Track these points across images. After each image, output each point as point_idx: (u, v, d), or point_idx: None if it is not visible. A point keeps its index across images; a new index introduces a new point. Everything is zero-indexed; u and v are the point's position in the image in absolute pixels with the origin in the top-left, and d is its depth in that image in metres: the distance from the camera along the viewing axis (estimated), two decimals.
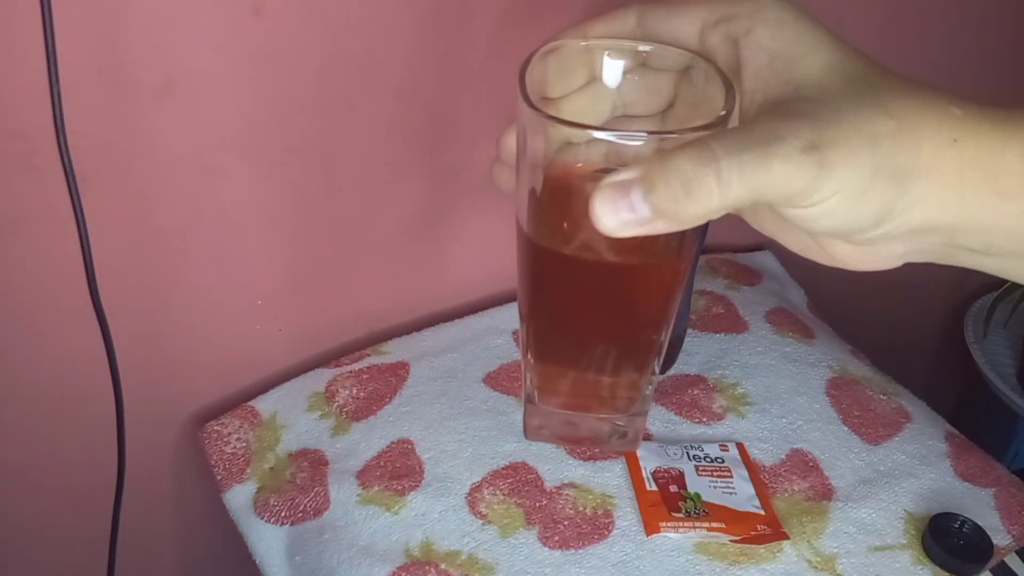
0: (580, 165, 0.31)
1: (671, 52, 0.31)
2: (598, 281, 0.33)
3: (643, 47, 0.31)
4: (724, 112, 0.27)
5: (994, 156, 0.26)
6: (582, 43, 0.32)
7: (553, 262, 0.33)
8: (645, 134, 0.29)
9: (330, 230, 0.68)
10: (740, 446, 0.63)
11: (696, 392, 0.68)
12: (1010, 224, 0.27)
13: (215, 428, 0.65)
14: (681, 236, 0.31)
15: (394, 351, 0.71)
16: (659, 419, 0.65)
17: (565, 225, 0.32)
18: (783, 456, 0.63)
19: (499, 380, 0.68)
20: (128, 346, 0.57)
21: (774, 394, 0.68)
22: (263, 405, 0.67)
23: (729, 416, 0.66)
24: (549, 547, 0.55)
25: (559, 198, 0.32)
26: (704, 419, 0.65)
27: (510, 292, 0.80)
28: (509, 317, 0.76)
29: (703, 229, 0.37)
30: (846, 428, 0.66)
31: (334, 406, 0.66)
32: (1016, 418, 1.01)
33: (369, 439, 0.63)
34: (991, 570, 0.56)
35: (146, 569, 0.77)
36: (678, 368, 0.70)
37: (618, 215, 0.25)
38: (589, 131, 0.28)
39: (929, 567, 0.55)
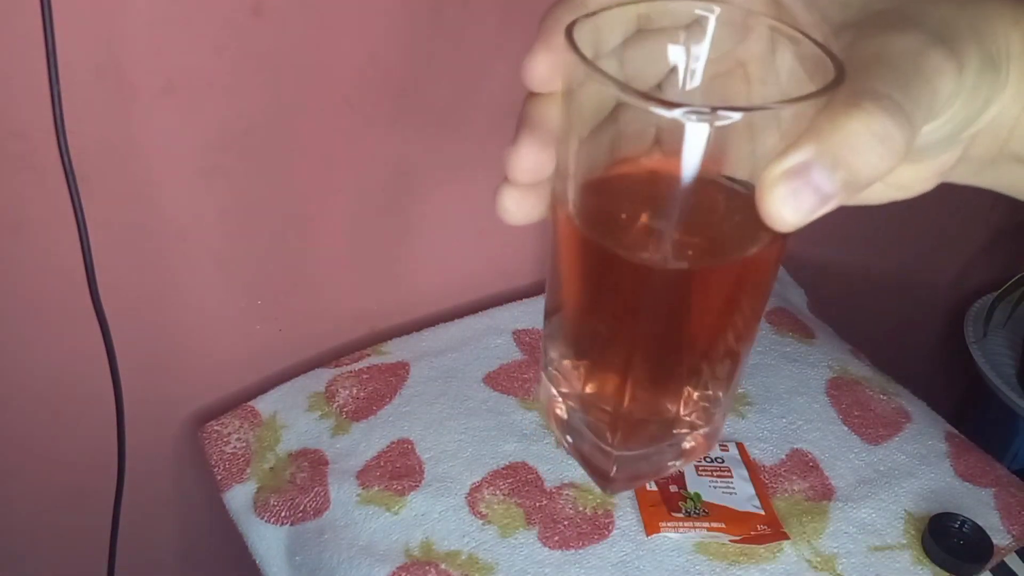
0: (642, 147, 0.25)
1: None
2: (667, 286, 0.26)
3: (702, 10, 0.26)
4: (838, 66, 0.23)
5: None
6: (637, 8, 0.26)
7: (634, 273, 0.26)
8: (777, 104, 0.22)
9: (330, 230, 0.68)
10: (740, 446, 0.63)
11: None
12: None
13: (215, 428, 0.65)
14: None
15: (394, 351, 0.71)
16: None
17: (634, 229, 0.26)
18: (783, 456, 0.63)
19: (499, 380, 0.68)
20: (128, 346, 0.57)
21: (774, 394, 0.68)
22: (263, 405, 0.67)
23: (729, 416, 0.66)
24: (549, 547, 0.55)
25: (614, 200, 0.26)
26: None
27: (510, 292, 0.80)
28: (509, 317, 0.75)
29: None
30: (846, 428, 0.66)
31: (334, 406, 0.66)
32: (1016, 418, 1.01)
33: (369, 439, 0.63)
34: (991, 570, 0.56)
35: (146, 569, 0.77)
36: None
37: (801, 203, 0.21)
38: (723, 113, 0.21)
39: (929, 567, 0.55)
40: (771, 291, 0.29)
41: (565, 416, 0.30)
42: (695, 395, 0.30)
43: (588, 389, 0.29)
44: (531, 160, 0.25)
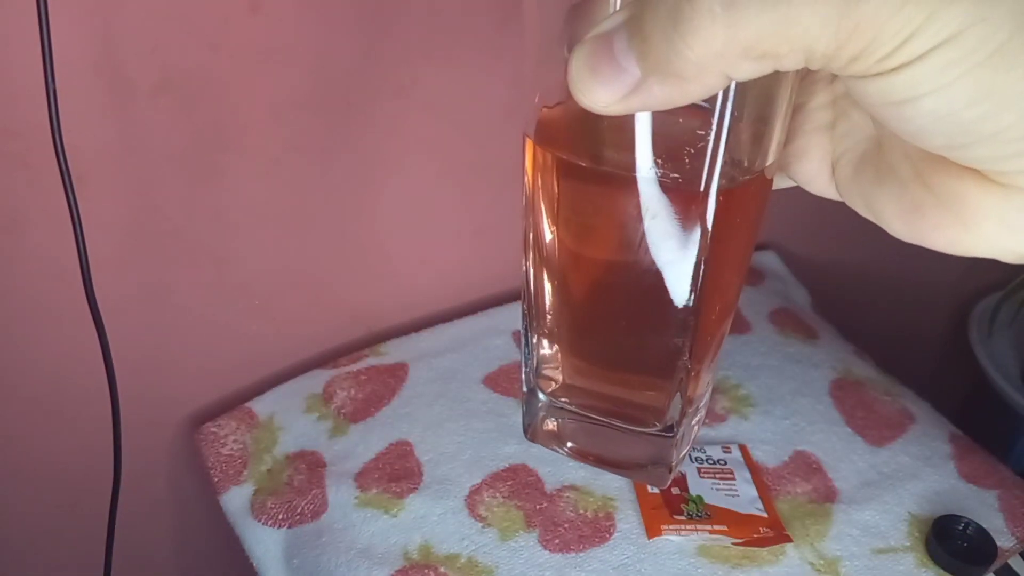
0: None
1: None
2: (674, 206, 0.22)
3: None
4: None
5: None
6: None
7: (596, 184, 0.22)
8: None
9: (328, 230, 0.67)
10: (743, 448, 0.62)
11: None
12: None
13: (212, 430, 0.65)
14: (774, 139, 0.22)
15: (393, 352, 0.71)
16: None
17: (614, 140, 0.22)
18: (786, 458, 0.62)
19: (499, 381, 0.68)
20: (124, 347, 0.57)
21: (777, 395, 0.67)
22: (260, 406, 0.66)
23: (732, 417, 0.65)
24: (550, 550, 0.54)
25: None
26: (706, 420, 0.65)
27: (510, 292, 0.80)
28: (509, 317, 0.75)
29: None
30: (849, 430, 0.65)
31: (332, 407, 0.66)
32: (1021, 419, 1.01)
33: (367, 441, 0.63)
34: (995, 572, 0.55)
35: (142, 571, 0.76)
36: None
37: (601, 80, 0.17)
38: None
39: (933, 570, 0.55)
40: (755, 236, 0.25)
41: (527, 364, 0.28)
42: (638, 373, 0.26)
43: (535, 332, 0.27)
44: None
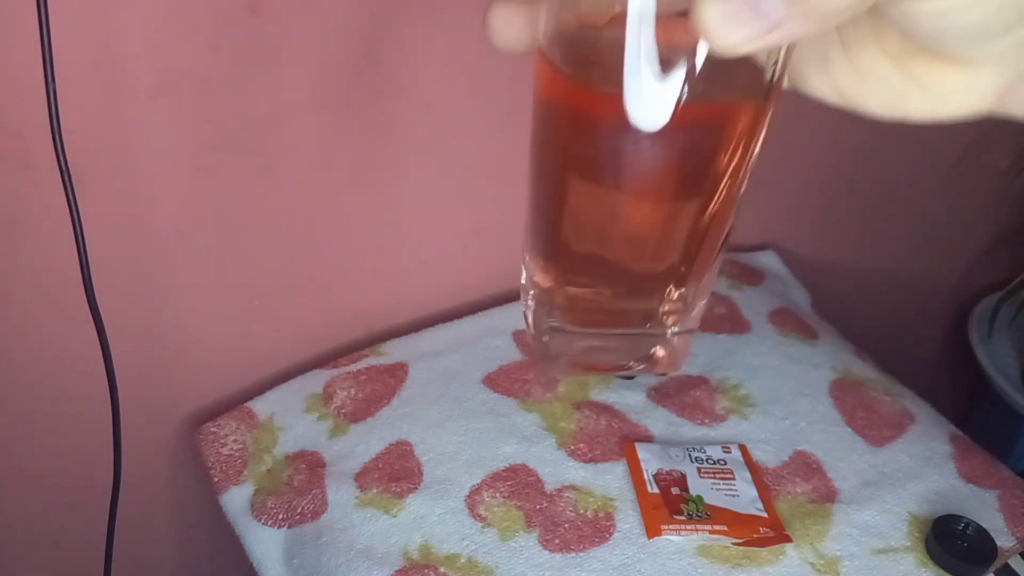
0: None
1: None
2: (665, 136, 0.23)
3: None
4: None
5: None
6: None
7: (602, 105, 0.24)
8: None
9: (328, 230, 0.67)
10: (743, 448, 0.62)
11: (698, 393, 0.67)
12: None
13: (212, 430, 0.65)
14: (775, 73, 0.24)
15: (393, 352, 0.71)
16: (661, 420, 0.65)
17: (604, 50, 0.23)
18: (786, 458, 0.62)
19: (499, 381, 0.68)
20: (124, 347, 0.57)
21: (777, 395, 0.67)
22: (260, 406, 0.66)
23: (732, 417, 0.65)
24: (550, 550, 0.54)
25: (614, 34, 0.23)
26: (706, 420, 0.65)
27: (510, 292, 0.80)
28: (509, 317, 0.75)
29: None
30: (849, 430, 0.65)
31: (332, 407, 0.66)
32: (1020, 419, 1.01)
33: (367, 441, 0.63)
34: (995, 572, 0.55)
35: (142, 572, 0.76)
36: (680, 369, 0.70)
37: (741, 23, 0.18)
38: None
39: (933, 570, 0.55)
40: (741, 176, 0.25)
41: (529, 304, 0.29)
42: (644, 281, 0.27)
43: (535, 264, 0.28)
44: None
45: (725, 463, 0.60)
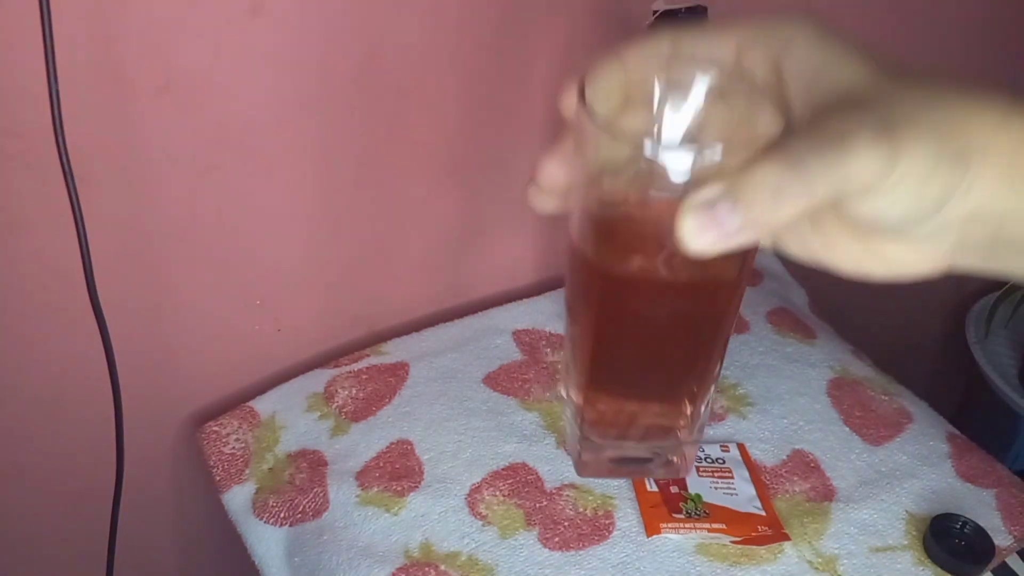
0: (641, 186, 0.30)
1: (725, 73, 0.31)
2: (668, 301, 0.32)
3: (703, 73, 0.31)
4: (785, 126, 0.27)
5: None
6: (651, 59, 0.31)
7: (622, 286, 0.32)
8: (718, 149, 0.28)
9: (329, 230, 0.67)
10: (741, 447, 0.62)
11: None
12: None
13: (214, 429, 0.65)
14: (744, 260, 0.32)
15: (393, 351, 0.71)
16: None
17: (634, 247, 0.32)
18: (784, 457, 0.62)
19: (499, 380, 0.68)
20: (127, 346, 0.57)
21: (775, 394, 0.68)
22: (262, 406, 0.67)
23: (730, 417, 0.66)
24: (549, 548, 0.55)
25: (628, 219, 0.31)
26: None
27: (510, 292, 0.80)
28: (509, 317, 0.75)
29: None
30: (847, 429, 0.65)
31: (333, 407, 0.66)
32: (1017, 418, 1.01)
33: (368, 440, 0.63)
34: (992, 571, 0.56)
35: (145, 570, 0.77)
36: None
37: (706, 233, 0.25)
38: (679, 152, 0.28)
39: (930, 568, 0.55)
40: (729, 326, 0.34)
41: (567, 415, 0.37)
42: (656, 405, 0.36)
43: (571, 387, 0.35)
44: (550, 174, 0.31)
45: (724, 462, 0.60)
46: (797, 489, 0.60)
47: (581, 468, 0.38)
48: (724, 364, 0.77)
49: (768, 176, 0.25)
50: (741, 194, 0.25)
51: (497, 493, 0.58)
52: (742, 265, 0.32)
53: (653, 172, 0.29)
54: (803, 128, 0.27)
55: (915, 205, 0.26)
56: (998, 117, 0.27)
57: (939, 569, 0.55)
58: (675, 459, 0.39)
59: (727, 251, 0.25)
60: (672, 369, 0.35)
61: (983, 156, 0.27)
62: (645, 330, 0.33)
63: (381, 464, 0.61)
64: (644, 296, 0.32)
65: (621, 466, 0.39)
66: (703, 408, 0.36)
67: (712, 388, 0.35)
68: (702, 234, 0.25)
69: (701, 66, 0.30)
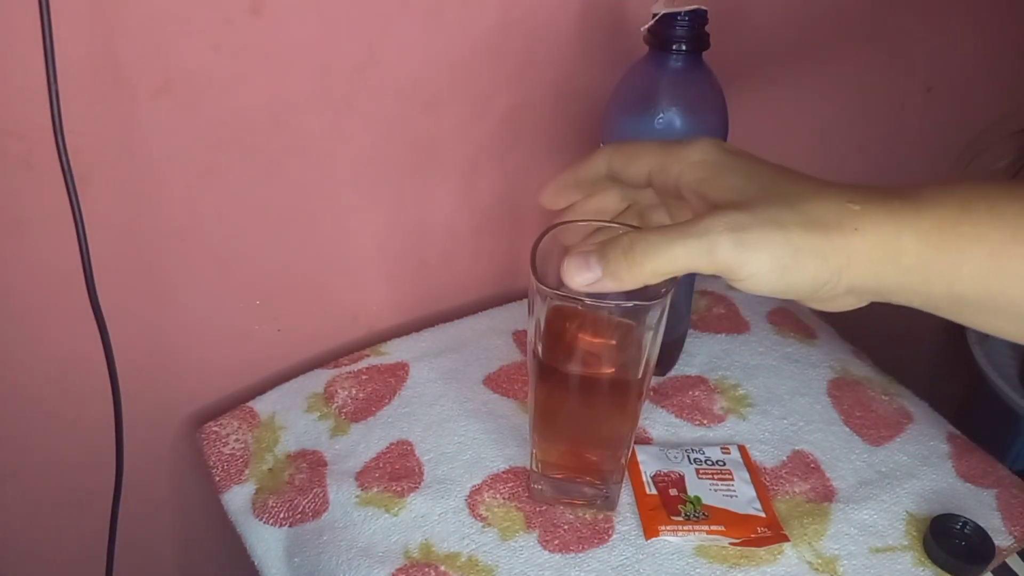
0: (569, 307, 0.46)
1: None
2: (582, 388, 0.50)
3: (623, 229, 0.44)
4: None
5: (892, 240, 0.33)
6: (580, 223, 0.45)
7: (554, 375, 0.49)
8: (613, 304, 0.44)
9: (329, 230, 0.67)
10: (742, 448, 0.62)
11: (697, 394, 0.67)
12: (922, 290, 0.34)
13: (213, 429, 0.65)
14: (645, 359, 0.47)
15: (393, 352, 0.71)
16: (660, 422, 0.65)
17: (562, 350, 0.49)
18: (784, 458, 0.62)
19: (499, 382, 0.68)
20: (126, 346, 0.57)
21: (775, 395, 0.68)
22: (262, 406, 0.67)
23: (730, 418, 0.66)
24: (549, 550, 0.55)
25: (557, 333, 0.48)
26: (705, 421, 0.65)
27: (510, 292, 0.80)
28: (509, 317, 0.75)
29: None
30: (847, 429, 0.65)
31: (333, 407, 0.66)
32: (1018, 418, 1.01)
33: (368, 440, 0.63)
34: (993, 571, 0.56)
35: (144, 570, 0.77)
36: (679, 369, 0.70)
37: (580, 274, 0.36)
38: (579, 301, 0.43)
39: (931, 568, 0.55)
40: (641, 403, 0.51)
41: (531, 456, 0.56)
42: (591, 457, 0.55)
43: (532, 433, 0.55)
44: (548, 199, 0.44)
45: (724, 464, 0.60)
46: (797, 490, 0.60)
47: (538, 498, 0.57)
48: (724, 364, 0.78)
49: (620, 243, 0.35)
50: (605, 252, 0.35)
51: (497, 495, 0.58)
52: (643, 367, 0.48)
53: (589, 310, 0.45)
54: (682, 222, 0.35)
55: (788, 285, 0.34)
56: (851, 227, 0.33)
57: (939, 570, 0.55)
58: (608, 495, 0.56)
59: (597, 291, 0.36)
60: (595, 431, 0.53)
61: (843, 256, 0.33)
62: (572, 401, 0.51)
63: (381, 465, 0.61)
64: (569, 382, 0.50)
65: (568, 495, 0.57)
66: (622, 460, 0.54)
67: (628, 448, 0.54)
68: (578, 274, 0.36)
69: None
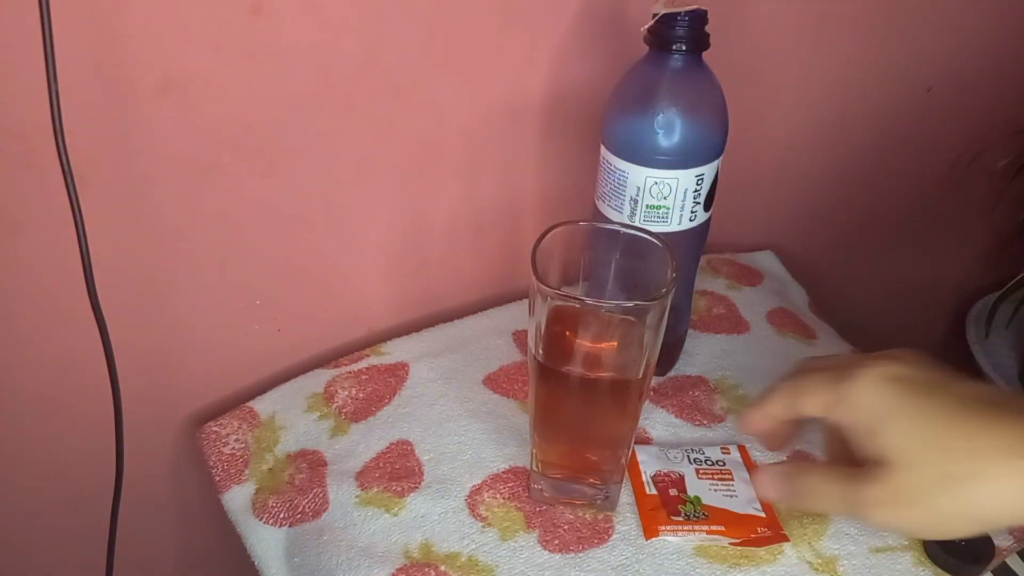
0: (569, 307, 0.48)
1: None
2: (582, 388, 0.51)
3: (626, 231, 0.51)
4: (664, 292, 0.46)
5: None
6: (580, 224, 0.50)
7: (555, 376, 0.50)
8: (614, 304, 0.48)
9: (329, 230, 0.67)
10: (742, 448, 0.62)
11: (697, 394, 0.67)
12: None
13: (213, 429, 0.65)
14: (645, 359, 0.48)
15: (393, 352, 0.71)
16: (660, 422, 0.65)
17: (562, 350, 0.50)
18: (784, 458, 0.62)
19: (499, 382, 0.68)
20: (126, 346, 0.57)
21: None
22: (262, 406, 0.67)
23: (730, 418, 0.66)
24: (549, 551, 0.55)
25: (557, 333, 0.49)
26: (705, 421, 0.65)
27: (510, 292, 0.80)
28: (509, 317, 0.75)
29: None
30: None
31: (333, 407, 0.66)
32: None
33: (368, 440, 0.63)
34: (992, 571, 0.56)
35: (144, 570, 0.77)
36: (678, 369, 0.70)
37: (775, 490, 0.43)
38: (580, 301, 0.47)
39: (930, 568, 0.55)
40: (641, 405, 0.52)
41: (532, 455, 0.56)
42: (591, 457, 0.55)
43: (533, 434, 0.55)
44: (758, 427, 0.48)
45: (724, 464, 0.60)
46: None
47: (538, 498, 0.57)
48: (725, 364, 0.78)
49: (804, 485, 0.41)
50: (792, 481, 0.42)
51: (497, 495, 0.58)
52: (644, 372, 0.49)
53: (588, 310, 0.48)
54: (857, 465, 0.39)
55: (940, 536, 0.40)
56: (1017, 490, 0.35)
57: (939, 569, 0.55)
58: (607, 495, 0.56)
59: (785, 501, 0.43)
60: (595, 431, 0.53)
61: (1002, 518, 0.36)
62: (572, 401, 0.52)
63: (381, 465, 0.61)
64: (569, 383, 0.50)
65: (568, 496, 0.57)
66: (622, 460, 0.55)
67: (628, 448, 0.54)
68: (772, 489, 0.43)
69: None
